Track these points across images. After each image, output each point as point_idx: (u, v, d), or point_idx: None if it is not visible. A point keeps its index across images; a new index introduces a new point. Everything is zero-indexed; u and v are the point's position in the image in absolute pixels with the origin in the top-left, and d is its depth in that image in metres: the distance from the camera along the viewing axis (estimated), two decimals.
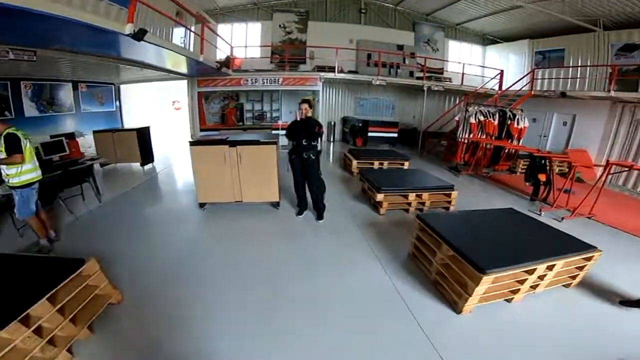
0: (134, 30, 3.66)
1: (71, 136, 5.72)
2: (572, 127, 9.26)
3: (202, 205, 4.34)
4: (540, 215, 4.78)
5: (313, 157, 3.84)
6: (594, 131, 8.30)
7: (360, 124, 10.47)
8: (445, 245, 2.67)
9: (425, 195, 4.46)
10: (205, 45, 6.46)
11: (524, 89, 9.22)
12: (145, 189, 5.65)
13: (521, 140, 7.64)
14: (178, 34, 7.99)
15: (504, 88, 9.96)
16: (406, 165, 6.57)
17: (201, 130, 7.05)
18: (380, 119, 11.09)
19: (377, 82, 9.20)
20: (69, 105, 7.55)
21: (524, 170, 7.61)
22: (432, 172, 6.87)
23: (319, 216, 4.13)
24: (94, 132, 6.97)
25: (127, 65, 6.47)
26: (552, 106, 9.46)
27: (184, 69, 7.59)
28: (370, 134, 10.35)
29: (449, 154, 8.80)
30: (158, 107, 11.13)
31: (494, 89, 10.02)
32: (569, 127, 9.45)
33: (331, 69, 9.41)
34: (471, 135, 7.04)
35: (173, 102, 10.52)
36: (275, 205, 4.42)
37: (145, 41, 3.84)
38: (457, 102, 11.11)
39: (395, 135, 10.58)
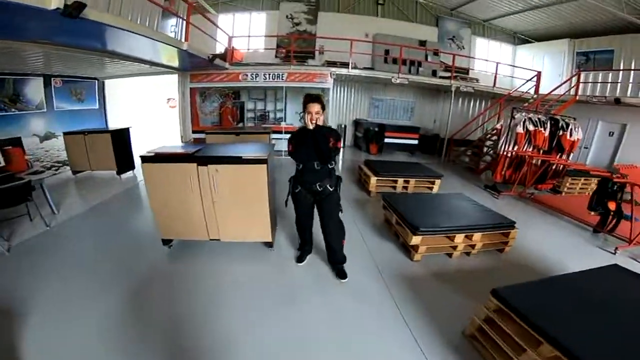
0: (65, 3, 2.50)
1: (16, 142, 4.63)
2: (621, 139, 8.08)
3: (166, 242, 3.16)
4: (615, 254, 3.68)
5: (330, 189, 2.55)
6: None
7: (375, 129, 9.26)
8: (548, 346, 1.57)
9: (476, 236, 3.23)
10: (195, 34, 5.44)
11: (567, 93, 7.92)
12: (111, 206, 4.52)
13: (572, 155, 6.34)
14: (169, 23, 6.97)
15: (541, 92, 8.67)
16: (437, 184, 5.28)
17: (193, 132, 5.97)
18: (398, 123, 9.86)
19: (398, 81, 7.96)
20: (38, 103, 6.43)
21: (570, 190, 6.48)
22: (464, 191, 5.69)
23: (340, 273, 2.84)
24: (64, 133, 5.98)
25: (103, 57, 5.41)
26: (596, 113, 8.18)
27: (172, 61, 6.48)
28: (386, 140, 9.14)
29: (478, 166, 7.53)
30: (151, 105, 10.02)
31: (529, 93, 8.72)
32: (616, 138, 8.28)
33: (344, 65, 8.18)
34: (516, 148, 5.73)
35: (168, 99, 9.41)
36: (268, 244, 3.23)
37: (83, 19, 2.68)
38: (489, 105, 9.78)
39: (416, 142, 9.37)
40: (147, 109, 9.93)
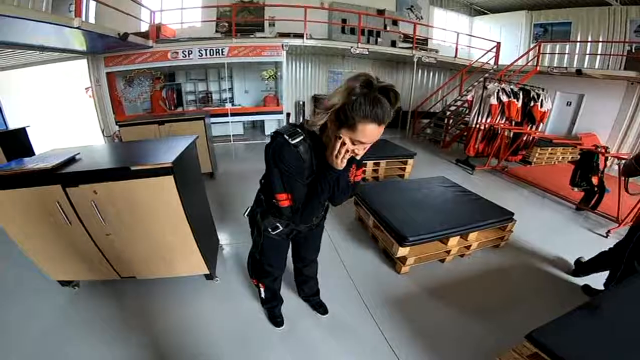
0: None
1: None
2: (579, 109, 8.25)
3: (65, 282, 2.18)
4: (607, 237, 3.31)
5: (318, 222, 1.60)
6: (605, 114, 7.34)
7: None
8: None
9: (472, 236, 2.61)
10: (108, 11, 4.58)
11: (528, 64, 7.82)
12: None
13: (542, 126, 6.08)
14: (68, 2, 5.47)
15: (500, 63, 8.49)
16: (410, 164, 4.63)
17: (121, 123, 4.74)
18: None
19: (358, 51, 7.12)
20: None
21: (538, 160, 6.31)
22: (435, 168, 5.15)
23: (318, 306, 2.09)
24: None
25: None
26: (554, 84, 8.15)
27: (73, 44, 5.11)
28: None
29: (444, 139, 7.11)
30: (66, 97, 8.27)
31: (489, 64, 8.43)
32: (573, 108, 8.46)
33: (298, 36, 7.14)
34: (490, 120, 5.23)
35: (86, 88, 7.75)
36: (207, 276, 2.34)
37: None
38: (448, 77, 9.38)
39: None
40: (61, 101, 8.20)
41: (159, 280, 2.27)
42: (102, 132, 6.76)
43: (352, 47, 7.22)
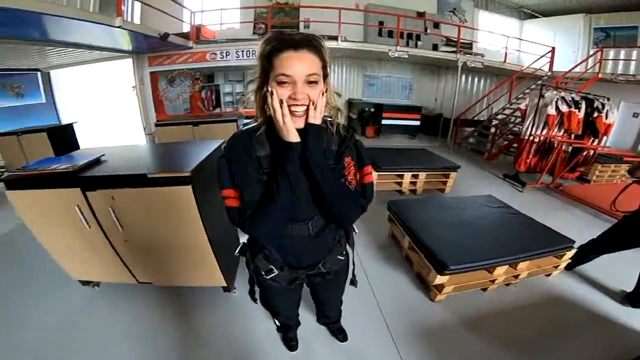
0: None
1: None
2: None
3: (85, 282, 2.18)
4: None
5: (341, 259, 1.19)
6: None
7: (371, 109, 8.19)
8: None
9: (523, 265, 2.25)
10: (152, 13, 4.73)
11: (588, 71, 7.08)
12: None
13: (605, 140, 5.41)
14: None
15: (555, 69, 7.76)
16: (452, 177, 4.24)
17: (157, 123, 4.89)
18: (397, 103, 8.73)
19: (397, 54, 6.78)
20: None
21: (598, 178, 5.57)
22: (480, 183, 4.71)
23: (338, 332, 1.85)
24: None
25: (31, 46, 4.68)
26: (618, 93, 7.27)
27: (119, 43, 5.35)
28: (384, 122, 8.10)
29: (489, 150, 6.56)
30: (115, 94, 8.78)
31: (542, 70, 7.71)
32: None
33: (332, 39, 6.96)
34: (545, 132, 4.67)
35: (133, 87, 8.17)
36: (225, 288, 2.21)
37: None
38: (495, 83, 8.74)
39: (418, 123, 8.33)
40: (111, 98, 8.71)
41: (176, 288, 2.19)
42: (144, 129, 7.02)
43: (390, 50, 6.90)
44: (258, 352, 1.79)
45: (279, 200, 0.83)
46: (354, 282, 1.35)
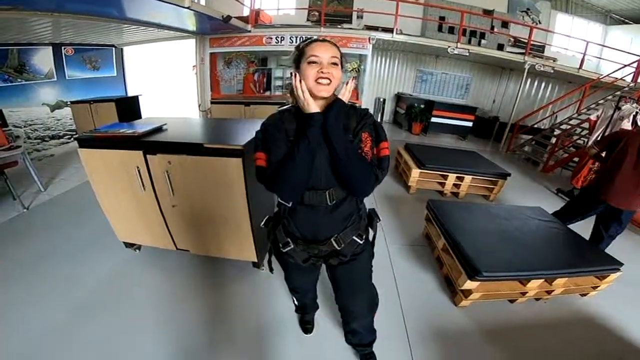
0: None
1: None
2: None
3: (129, 244, 2.41)
4: None
5: (360, 242, 1.20)
6: None
7: (421, 105, 7.90)
8: None
9: (561, 281, 2.08)
10: None
11: None
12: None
13: None
14: None
15: None
16: (500, 185, 3.97)
17: (213, 100, 5.23)
18: (450, 101, 8.29)
19: (456, 51, 6.42)
20: (47, 72, 6.09)
21: None
22: (529, 194, 4.38)
23: (367, 358, 1.66)
24: (72, 102, 5.58)
25: (110, 23, 5.02)
26: None
27: (185, 23, 5.68)
28: (433, 120, 7.75)
29: (546, 161, 5.99)
30: (176, 72, 9.43)
31: (624, 80, 6.78)
32: None
33: (387, 31, 6.77)
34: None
35: (193, 66, 8.70)
36: (255, 264, 2.32)
37: None
38: (567, 90, 7.90)
39: (470, 124, 7.86)
40: (172, 76, 9.37)
41: (210, 258, 2.34)
42: (199, 106, 7.47)
43: (449, 46, 6.53)
44: (273, 329, 1.84)
45: (298, 158, 0.97)
46: (372, 255, 1.34)
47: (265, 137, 1.05)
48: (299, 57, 1.01)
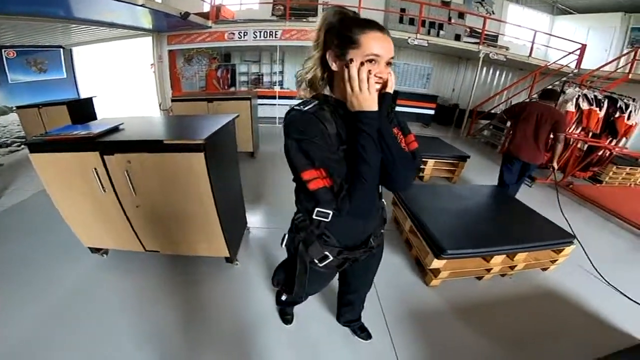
0: None
1: None
2: None
3: (95, 249, 2.31)
4: None
5: (379, 242, 1.22)
6: None
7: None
8: None
9: (520, 256, 2.29)
10: None
11: (617, 70, 6.75)
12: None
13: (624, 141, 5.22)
14: None
15: (584, 67, 7.38)
16: (461, 167, 4.23)
17: (173, 98, 5.05)
18: (413, 91, 8.65)
19: (416, 42, 6.67)
20: None
21: (611, 180, 5.39)
22: (490, 173, 4.69)
23: (360, 330, 1.80)
24: (17, 107, 5.14)
25: (56, 23, 4.78)
26: None
27: (140, 21, 5.43)
28: (398, 109, 7.88)
29: (502, 144, 6.42)
30: (134, 71, 8.96)
31: (569, 67, 7.40)
32: None
33: None
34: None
35: (151, 64, 8.32)
36: (227, 259, 2.33)
37: None
38: (517, 77, 8.46)
39: (432, 112, 8.32)
40: (129, 75, 8.90)
41: (181, 257, 2.32)
42: (160, 106, 7.20)
43: (409, 37, 6.76)
44: (254, 324, 1.87)
45: (372, 161, 0.83)
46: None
47: (312, 148, 0.83)
48: (347, 41, 0.81)
